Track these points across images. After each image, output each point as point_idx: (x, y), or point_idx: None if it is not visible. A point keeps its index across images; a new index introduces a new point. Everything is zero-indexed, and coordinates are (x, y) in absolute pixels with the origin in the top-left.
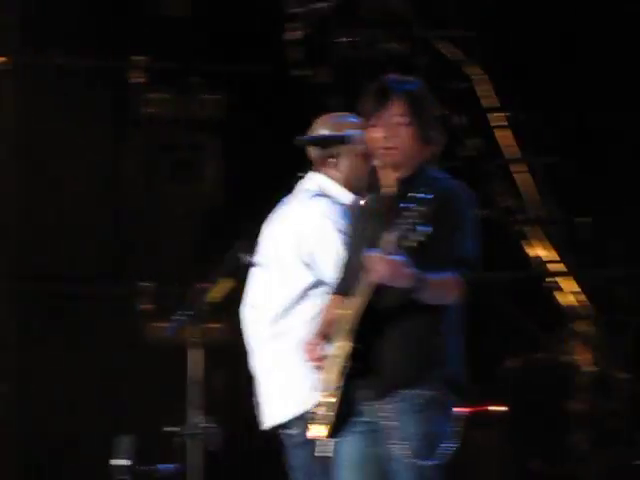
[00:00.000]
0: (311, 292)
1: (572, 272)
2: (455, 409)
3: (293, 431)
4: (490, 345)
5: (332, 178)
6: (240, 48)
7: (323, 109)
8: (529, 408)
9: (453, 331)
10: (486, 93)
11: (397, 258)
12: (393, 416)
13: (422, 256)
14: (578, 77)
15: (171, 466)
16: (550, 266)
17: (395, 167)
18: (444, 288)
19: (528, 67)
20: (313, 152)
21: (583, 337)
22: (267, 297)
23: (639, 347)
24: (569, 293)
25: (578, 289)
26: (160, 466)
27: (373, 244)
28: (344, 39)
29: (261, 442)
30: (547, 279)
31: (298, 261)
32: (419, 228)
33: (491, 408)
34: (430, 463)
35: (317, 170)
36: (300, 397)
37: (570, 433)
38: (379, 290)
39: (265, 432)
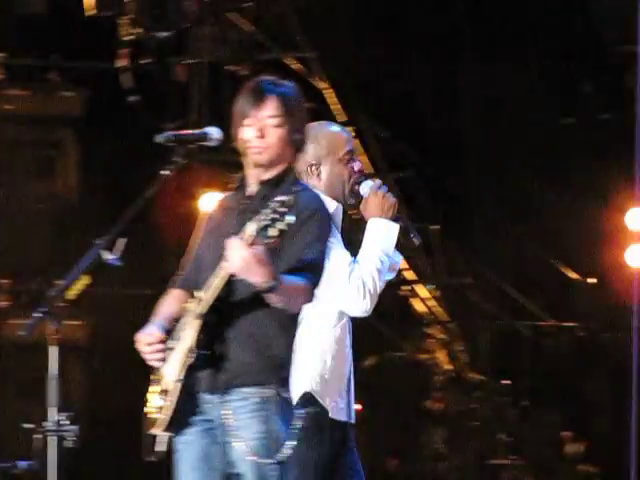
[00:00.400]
0: None
1: (425, 279)
2: (295, 408)
3: None
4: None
5: (315, 186)
6: (100, 45)
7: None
8: (385, 407)
9: (293, 332)
10: (335, 108)
11: (257, 250)
12: (234, 414)
13: (278, 258)
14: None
15: (29, 462)
16: (405, 274)
17: (264, 167)
18: (294, 294)
19: (372, 84)
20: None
21: (438, 340)
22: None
23: (492, 350)
24: (424, 299)
25: (432, 295)
26: (18, 462)
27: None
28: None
29: (119, 439)
30: (403, 286)
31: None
32: (285, 217)
33: None
34: (270, 462)
35: (301, 179)
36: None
37: (426, 431)
38: (231, 285)
39: (123, 430)
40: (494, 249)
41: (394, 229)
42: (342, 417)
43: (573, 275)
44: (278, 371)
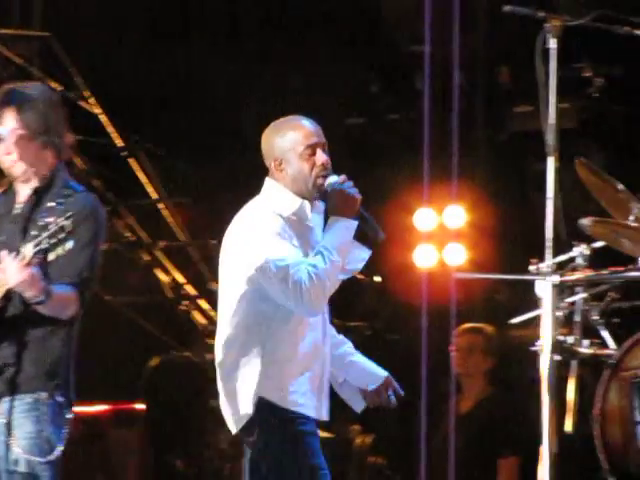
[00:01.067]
0: (248, 301)
1: (204, 293)
2: (68, 412)
3: (247, 437)
4: (131, 348)
5: (280, 182)
6: None
7: None
8: (171, 407)
9: (70, 339)
10: (111, 131)
11: (32, 269)
12: (10, 414)
13: (50, 265)
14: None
15: None
16: (187, 288)
17: (24, 178)
18: (64, 303)
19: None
20: (265, 158)
21: None
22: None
23: None
24: (205, 311)
25: (209, 307)
26: None
27: (6, 249)
28: None
29: None
30: (183, 301)
31: (226, 271)
32: (66, 243)
33: (134, 406)
34: (41, 460)
35: (270, 176)
36: (242, 407)
37: (212, 431)
38: (9, 295)
39: None
40: None
41: (350, 227)
42: (311, 414)
43: (359, 275)
44: (52, 377)
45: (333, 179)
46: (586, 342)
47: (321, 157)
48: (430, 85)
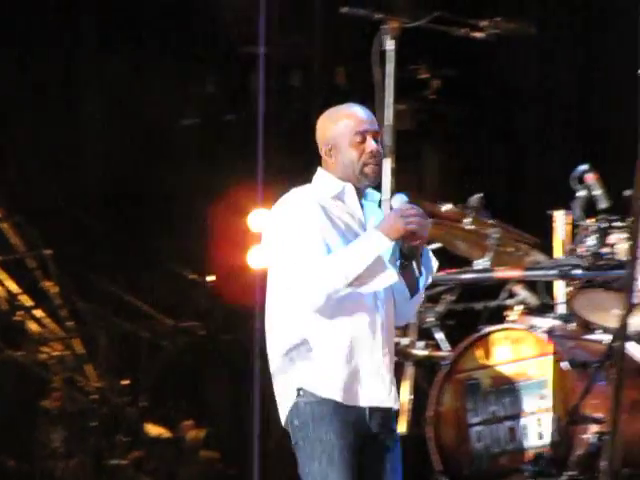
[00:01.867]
0: (282, 290)
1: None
2: None
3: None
4: None
5: (329, 169)
6: None
7: None
8: (2, 405)
9: None
10: None
11: None
12: None
13: None
14: None
15: None
16: (21, 299)
17: None
18: None
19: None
20: (318, 145)
21: (56, 350)
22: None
23: (111, 352)
24: (39, 319)
25: (47, 315)
26: None
27: None
28: None
29: None
30: (18, 312)
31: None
32: None
33: None
34: None
35: (323, 164)
36: (285, 404)
37: (44, 430)
38: None
39: None
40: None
41: (384, 244)
42: (355, 402)
43: (192, 275)
44: None
45: (402, 199)
46: (421, 344)
47: (370, 145)
48: (265, 86)
